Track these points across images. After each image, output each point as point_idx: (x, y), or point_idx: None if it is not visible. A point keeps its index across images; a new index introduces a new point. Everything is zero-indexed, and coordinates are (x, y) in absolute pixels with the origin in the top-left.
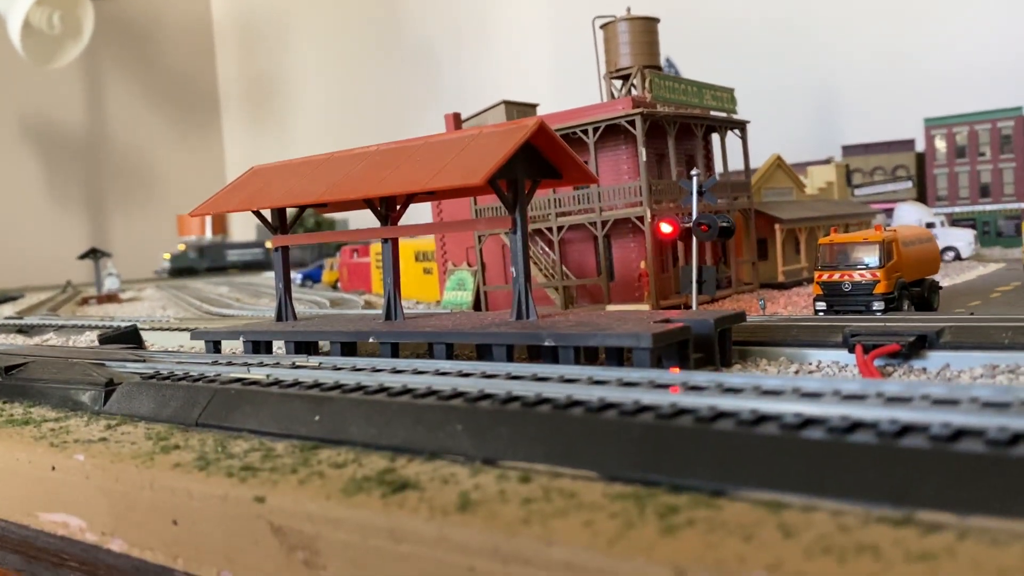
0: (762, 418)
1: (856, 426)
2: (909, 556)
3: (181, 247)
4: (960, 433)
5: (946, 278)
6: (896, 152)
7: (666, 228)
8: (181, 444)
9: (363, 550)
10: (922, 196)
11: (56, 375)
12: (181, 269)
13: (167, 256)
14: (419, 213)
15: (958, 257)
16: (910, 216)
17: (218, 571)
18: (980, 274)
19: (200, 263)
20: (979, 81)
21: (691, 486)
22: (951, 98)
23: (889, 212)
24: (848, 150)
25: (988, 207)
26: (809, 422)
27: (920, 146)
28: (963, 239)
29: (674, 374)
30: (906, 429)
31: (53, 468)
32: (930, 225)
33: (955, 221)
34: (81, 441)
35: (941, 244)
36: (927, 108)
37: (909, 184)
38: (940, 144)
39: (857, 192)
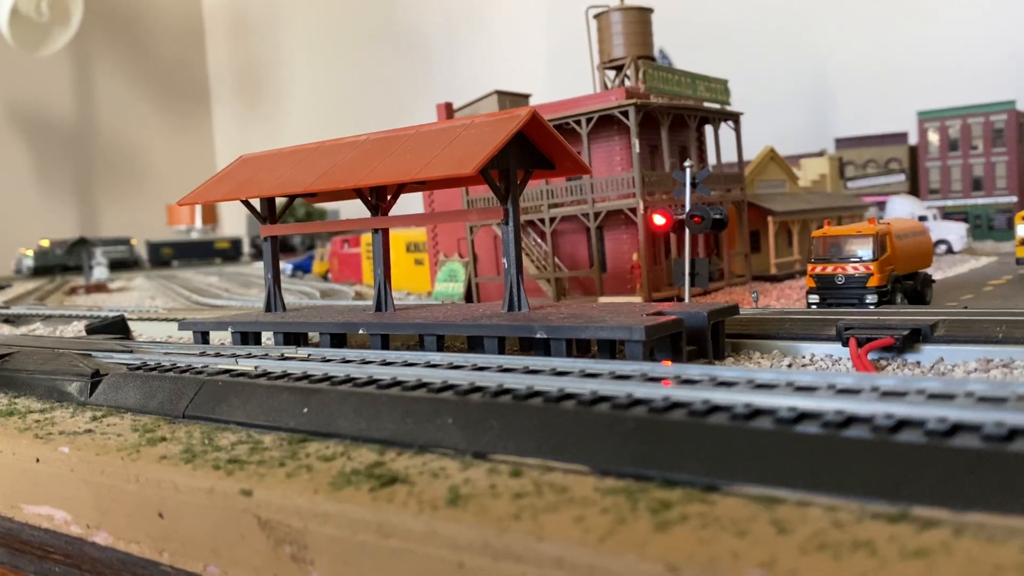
0: (756, 412)
1: (851, 421)
2: (904, 553)
3: (45, 243)
4: (956, 428)
5: (939, 271)
6: (889, 145)
7: (659, 220)
8: (168, 436)
9: (351, 545)
10: (915, 189)
11: (42, 365)
12: (46, 267)
13: (30, 253)
14: (410, 203)
15: (950, 250)
16: (903, 209)
17: (204, 565)
18: (972, 267)
19: (67, 260)
20: (972, 74)
21: (684, 481)
22: (944, 91)
23: (882, 205)
24: (841, 143)
25: (980, 200)
26: (803, 416)
27: (913, 139)
28: (955, 232)
29: (667, 367)
30: (901, 424)
31: (38, 460)
32: (922, 218)
33: (947, 214)
34: (66, 433)
35: (933, 237)
36: (920, 101)
37: (902, 177)
38: (933, 137)
39: (850, 185)
